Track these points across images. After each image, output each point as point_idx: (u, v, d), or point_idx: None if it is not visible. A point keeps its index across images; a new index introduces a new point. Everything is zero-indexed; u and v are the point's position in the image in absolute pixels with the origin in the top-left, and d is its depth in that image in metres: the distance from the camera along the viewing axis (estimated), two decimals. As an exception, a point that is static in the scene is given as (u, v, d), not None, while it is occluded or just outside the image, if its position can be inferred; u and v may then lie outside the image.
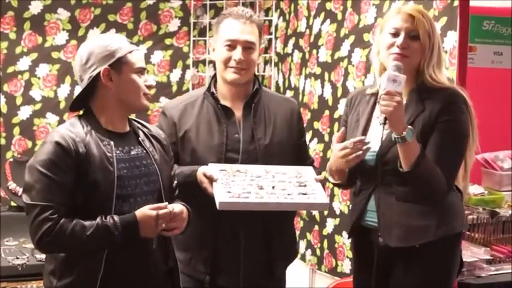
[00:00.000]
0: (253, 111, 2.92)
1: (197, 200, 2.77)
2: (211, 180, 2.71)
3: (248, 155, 2.88)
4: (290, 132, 2.97)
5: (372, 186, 2.70)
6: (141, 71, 2.50)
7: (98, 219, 2.33)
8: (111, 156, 2.41)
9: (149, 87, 2.52)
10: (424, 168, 2.52)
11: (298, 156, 2.98)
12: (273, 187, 2.73)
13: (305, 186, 2.76)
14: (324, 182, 2.90)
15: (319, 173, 2.91)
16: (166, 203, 2.45)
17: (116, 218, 2.34)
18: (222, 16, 2.94)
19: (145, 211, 2.37)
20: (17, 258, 3.84)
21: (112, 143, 2.44)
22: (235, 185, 2.70)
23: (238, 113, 2.93)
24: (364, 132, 2.72)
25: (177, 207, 2.46)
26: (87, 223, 2.32)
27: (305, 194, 2.71)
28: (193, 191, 2.77)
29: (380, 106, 2.53)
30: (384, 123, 2.53)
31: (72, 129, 2.42)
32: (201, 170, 2.76)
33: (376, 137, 2.62)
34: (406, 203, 2.61)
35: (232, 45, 2.86)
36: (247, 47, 2.87)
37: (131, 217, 2.36)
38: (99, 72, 2.43)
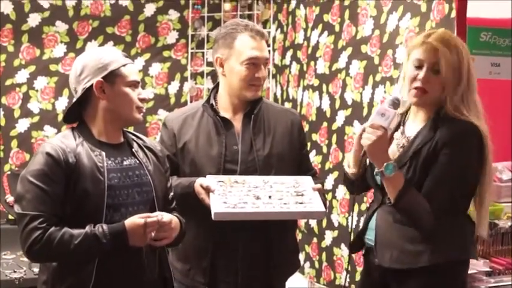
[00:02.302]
0: (252, 122, 2.93)
1: (196, 212, 2.79)
2: (208, 191, 2.73)
3: (247, 166, 2.89)
4: (290, 144, 2.98)
5: (377, 203, 2.71)
6: (134, 84, 2.53)
7: (87, 228, 2.36)
8: (101, 166, 2.45)
9: (142, 100, 2.55)
10: (406, 202, 2.52)
11: (299, 167, 2.99)
12: (270, 197, 2.73)
13: (302, 195, 2.77)
14: (323, 191, 2.90)
15: (321, 184, 2.90)
16: (157, 212, 2.47)
17: (104, 226, 2.38)
18: (233, 30, 2.90)
19: (134, 219, 2.40)
20: (14, 271, 3.84)
21: (103, 153, 2.48)
22: (232, 195, 2.72)
23: (237, 124, 2.94)
24: None
25: (166, 216, 2.47)
26: (75, 232, 2.35)
27: (301, 203, 2.72)
28: (191, 203, 2.78)
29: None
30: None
31: (63, 140, 2.47)
32: (199, 182, 2.78)
33: (391, 156, 2.61)
34: (402, 225, 2.60)
35: (255, 64, 2.86)
36: (265, 63, 2.91)
37: (120, 226, 2.39)
38: (93, 84, 2.46)
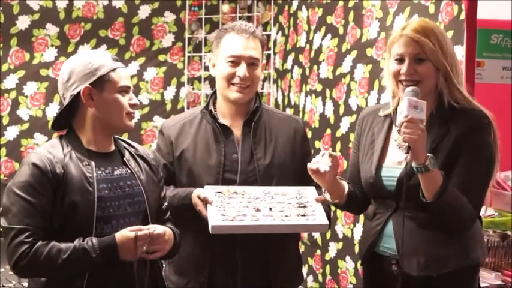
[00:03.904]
0: (253, 130, 2.90)
1: (193, 224, 2.76)
2: (206, 202, 2.70)
3: (247, 176, 2.86)
4: (293, 153, 2.95)
5: (390, 210, 2.68)
6: (125, 90, 2.50)
7: (76, 242, 2.33)
8: (90, 176, 2.42)
9: (134, 106, 2.52)
10: (448, 197, 2.47)
11: (302, 177, 2.93)
12: (270, 209, 2.70)
13: (305, 207, 2.74)
14: (327, 202, 2.87)
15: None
16: (150, 225, 2.44)
17: (94, 240, 2.34)
18: (223, 31, 2.92)
19: (124, 233, 2.37)
20: (3, 286, 3.82)
21: (93, 163, 2.45)
22: (230, 207, 2.69)
23: (237, 131, 2.92)
24: (382, 155, 2.70)
25: (159, 228, 2.44)
26: (63, 246, 2.32)
27: (304, 215, 2.69)
28: (188, 215, 2.76)
29: (403, 134, 2.45)
30: (408, 153, 2.46)
31: (50, 150, 2.44)
32: (196, 193, 2.75)
33: (394, 161, 2.61)
34: (428, 230, 2.58)
35: (236, 62, 2.85)
36: (251, 63, 2.86)
37: (110, 239, 2.36)
38: (80, 91, 2.44)
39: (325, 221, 2.68)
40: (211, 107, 2.95)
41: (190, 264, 2.90)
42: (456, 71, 2.59)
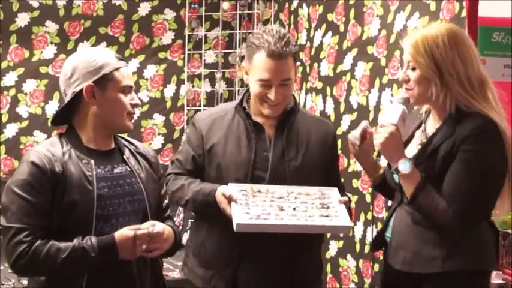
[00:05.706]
0: (287, 131, 2.92)
1: (219, 220, 2.78)
2: (230, 200, 2.72)
3: (276, 174, 2.88)
4: (323, 156, 2.97)
5: (397, 203, 2.73)
6: (127, 89, 2.50)
7: (75, 241, 2.34)
8: (90, 175, 2.42)
9: (135, 106, 2.52)
10: (422, 200, 2.52)
11: (328, 181, 2.97)
12: (294, 209, 2.73)
13: (328, 208, 2.76)
14: (349, 204, 2.90)
15: (348, 197, 2.91)
16: (148, 223, 2.44)
17: (93, 239, 2.35)
18: (254, 46, 2.85)
19: (123, 232, 2.38)
20: (3, 284, 3.82)
21: (92, 161, 2.45)
22: (254, 205, 2.71)
23: (270, 130, 2.93)
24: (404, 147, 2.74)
25: (158, 226, 2.45)
26: (62, 245, 2.33)
27: (327, 216, 2.71)
28: (212, 211, 2.79)
29: (374, 138, 2.61)
30: (378, 156, 2.64)
31: (50, 148, 2.44)
32: (221, 190, 2.77)
33: (410, 154, 2.64)
34: (421, 227, 2.59)
35: (267, 85, 2.82)
36: (283, 84, 2.84)
37: (109, 238, 2.37)
38: (82, 89, 2.44)
39: (348, 223, 2.71)
40: (244, 104, 2.97)
41: (216, 259, 2.93)
42: (468, 78, 2.55)
